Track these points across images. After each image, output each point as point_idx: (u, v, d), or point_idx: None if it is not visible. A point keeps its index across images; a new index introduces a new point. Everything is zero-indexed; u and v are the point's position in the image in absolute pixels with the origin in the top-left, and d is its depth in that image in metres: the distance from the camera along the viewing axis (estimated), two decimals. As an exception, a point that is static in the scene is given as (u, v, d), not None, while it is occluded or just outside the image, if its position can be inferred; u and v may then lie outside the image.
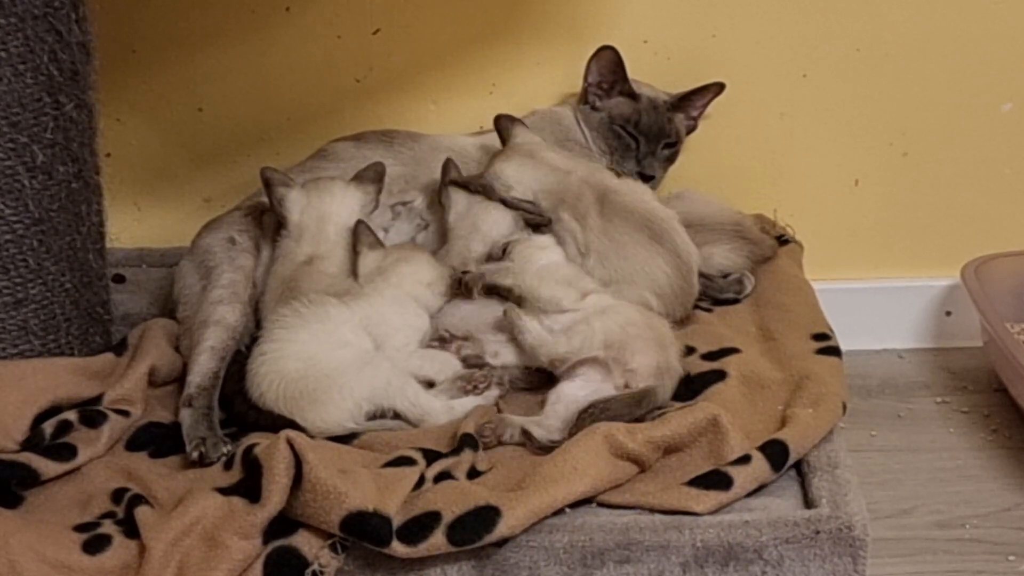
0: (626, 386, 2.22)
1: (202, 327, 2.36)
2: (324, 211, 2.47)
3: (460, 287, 2.40)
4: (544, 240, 2.48)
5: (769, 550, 1.95)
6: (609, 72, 2.76)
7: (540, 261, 2.42)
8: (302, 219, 2.47)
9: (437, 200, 2.60)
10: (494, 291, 2.40)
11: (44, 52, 2.21)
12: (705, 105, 2.83)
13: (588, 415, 2.14)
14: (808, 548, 1.95)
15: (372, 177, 2.52)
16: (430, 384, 2.29)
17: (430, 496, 1.97)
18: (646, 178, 2.71)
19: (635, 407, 2.18)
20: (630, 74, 2.75)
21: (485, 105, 2.87)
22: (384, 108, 2.89)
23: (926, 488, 2.53)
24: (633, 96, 2.76)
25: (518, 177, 2.56)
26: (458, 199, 2.55)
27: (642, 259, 2.45)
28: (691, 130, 2.83)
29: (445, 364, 2.31)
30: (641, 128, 2.74)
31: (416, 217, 2.65)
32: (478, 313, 2.39)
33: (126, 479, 2.10)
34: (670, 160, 2.78)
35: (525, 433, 2.17)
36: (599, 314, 2.29)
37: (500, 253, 2.45)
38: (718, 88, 2.81)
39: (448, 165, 2.57)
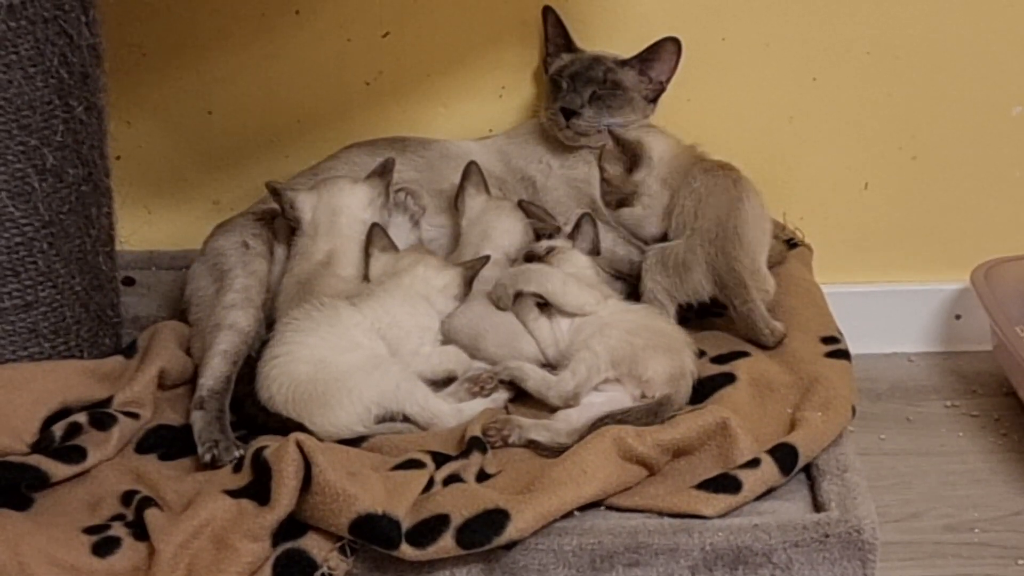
0: (642, 396, 2.21)
1: (215, 331, 2.36)
2: (336, 204, 2.48)
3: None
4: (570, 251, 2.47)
5: (778, 553, 1.95)
6: (554, 35, 2.76)
7: (570, 269, 2.41)
8: (315, 216, 2.47)
9: (454, 204, 2.59)
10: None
11: (54, 55, 2.22)
12: (665, 66, 2.72)
13: (602, 425, 2.13)
14: (817, 552, 1.95)
15: (379, 171, 2.53)
16: (446, 383, 2.30)
17: (439, 499, 1.97)
18: (567, 113, 2.65)
19: (652, 417, 2.17)
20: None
21: (495, 108, 2.88)
22: (394, 111, 2.89)
23: (935, 492, 2.53)
24: (574, 51, 2.75)
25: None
26: (473, 204, 2.55)
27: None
28: (657, 93, 2.74)
29: (462, 356, 2.32)
30: (570, 73, 2.70)
31: (406, 209, 2.62)
32: (486, 316, 2.39)
33: (135, 481, 2.11)
34: (608, 107, 2.67)
35: (531, 440, 2.17)
36: (598, 334, 2.27)
37: (541, 253, 2.44)
38: (673, 45, 2.70)
39: (471, 168, 2.56)
